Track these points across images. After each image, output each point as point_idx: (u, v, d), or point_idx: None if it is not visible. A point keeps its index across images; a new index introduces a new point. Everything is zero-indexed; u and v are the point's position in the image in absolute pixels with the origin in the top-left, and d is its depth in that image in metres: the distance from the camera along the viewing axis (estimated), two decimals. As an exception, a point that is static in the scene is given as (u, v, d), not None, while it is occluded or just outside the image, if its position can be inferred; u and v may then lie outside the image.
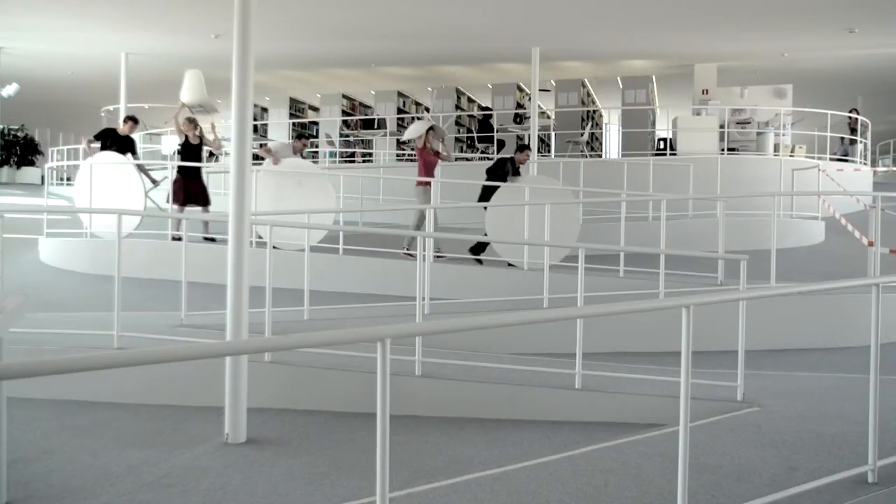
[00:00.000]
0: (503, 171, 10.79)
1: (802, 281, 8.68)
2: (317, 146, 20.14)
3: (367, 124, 20.46)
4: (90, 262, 10.92)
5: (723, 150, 16.42)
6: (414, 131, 10.91)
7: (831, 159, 17.25)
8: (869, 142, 19.67)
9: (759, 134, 17.09)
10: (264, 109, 22.20)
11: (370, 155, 19.80)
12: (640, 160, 14.85)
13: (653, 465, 4.22)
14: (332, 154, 19.88)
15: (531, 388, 6.03)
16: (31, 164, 24.03)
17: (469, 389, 6.04)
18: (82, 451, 5.05)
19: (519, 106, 18.97)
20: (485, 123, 19.22)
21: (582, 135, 18.12)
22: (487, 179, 10.78)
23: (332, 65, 18.72)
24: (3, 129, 22.72)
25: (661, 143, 18.26)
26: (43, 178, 17.53)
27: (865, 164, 18.63)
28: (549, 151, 20.33)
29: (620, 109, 18.34)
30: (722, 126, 16.79)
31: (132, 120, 11.87)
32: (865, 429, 4.01)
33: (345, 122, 20.59)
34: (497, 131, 18.39)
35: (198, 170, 11.16)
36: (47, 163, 17.37)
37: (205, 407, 5.88)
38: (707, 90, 17.52)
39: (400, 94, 20.75)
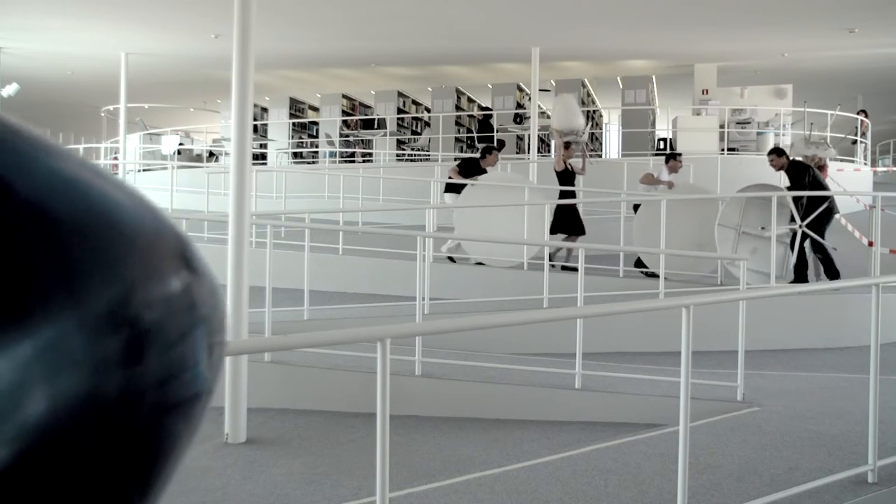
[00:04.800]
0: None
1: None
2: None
3: (367, 124, 20.46)
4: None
5: (723, 150, 16.42)
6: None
7: None
8: (869, 142, 19.67)
9: (759, 134, 17.08)
10: (264, 109, 22.19)
11: (370, 155, 19.80)
12: (640, 160, 14.85)
13: (653, 465, 4.22)
14: (333, 154, 19.89)
15: (531, 388, 6.03)
16: (31, 164, 23.97)
17: (469, 389, 6.04)
18: (82, 451, 5.04)
19: (519, 106, 18.97)
20: (485, 123, 19.21)
21: (582, 135, 18.10)
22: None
23: (332, 65, 18.72)
24: (3, 129, 22.66)
25: (662, 143, 18.25)
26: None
27: (866, 164, 18.63)
28: (549, 151, 20.33)
29: (620, 109, 18.34)
30: (722, 126, 16.78)
31: (497, 150, 10.99)
32: (865, 429, 4.01)
33: (345, 122, 20.58)
34: (497, 131, 18.39)
35: (573, 196, 10.55)
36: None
37: (205, 407, 5.87)
38: (707, 90, 17.51)
39: (400, 94, 20.74)
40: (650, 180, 10.61)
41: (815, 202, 9.05)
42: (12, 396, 0.29)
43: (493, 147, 11.01)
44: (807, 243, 9.04)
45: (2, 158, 0.31)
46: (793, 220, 9.03)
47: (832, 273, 8.83)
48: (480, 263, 9.89)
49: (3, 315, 0.29)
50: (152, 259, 0.35)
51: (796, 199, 9.07)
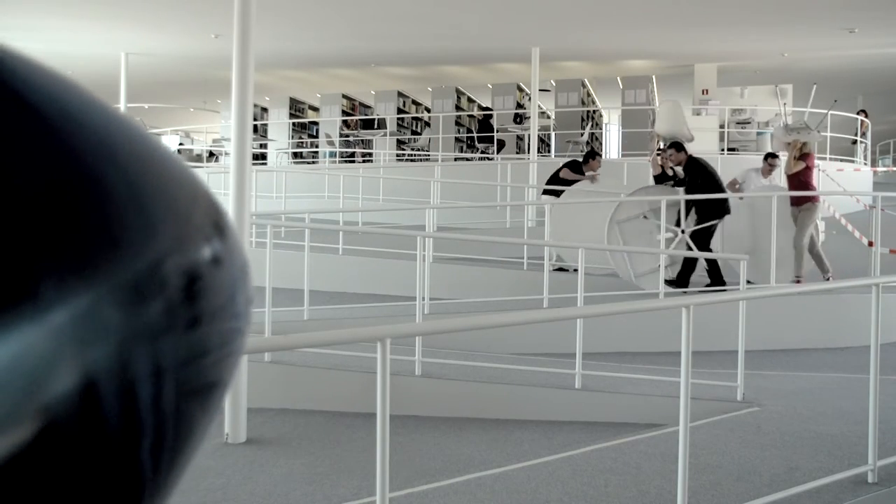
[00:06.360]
0: None
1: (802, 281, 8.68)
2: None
3: (367, 124, 20.46)
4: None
5: (723, 149, 16.41)
6: None
7: None
8: (869, 142, 19.66)
9: (759, 134, 17.08)
10: (264, 109, 22.18)
11: (370, 155, 19.80)
12: (640, 160, 14.85)
13: (653, 465, 4.22)
14: (333, 154, 19.90)
15: (531, 388, 6.03)
16: (32, 164, 23.92)
17: (469, 389, 6.04)
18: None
19: (519, 106, 18.98)
20: (485, 123, 19.22)
21: (582, 135, 18.12)
22: None
23: (332, 65, 18.72)
24: (3, 129, 22.63)
25: (662, 143, 18.24)
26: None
27: (866, 164, 18.62)
28: (549, 151, 20.34)
29: (620, 109, 18.34)
30: (722, 126, 16.79)
31: (599, 155, 10.58)
32: (865, 429, 4.01)
33: (345, 122, 20.58)
34: (497, 131, 18.39)
35: None
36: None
37: (205, 407, 5.87)
38: (707, 90, 17.52)
39: (400, 94, 20.74)
40: (731, 186, 10.19)
41: (708, 203, 8.87)
42: (42, 370, 0.27)
43: (596, 153, 10.85)
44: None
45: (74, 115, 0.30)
46: (679, 222, 9.02)
47: (717, 280, 8.68)
48: (561, 270, 9.66)
49: (51, 277, 0.28)
50: (191, 225, 0.33)
51: (690, 200, 8.98)
